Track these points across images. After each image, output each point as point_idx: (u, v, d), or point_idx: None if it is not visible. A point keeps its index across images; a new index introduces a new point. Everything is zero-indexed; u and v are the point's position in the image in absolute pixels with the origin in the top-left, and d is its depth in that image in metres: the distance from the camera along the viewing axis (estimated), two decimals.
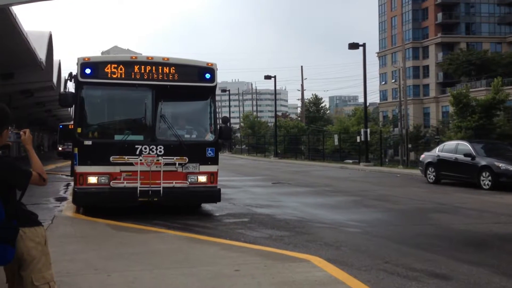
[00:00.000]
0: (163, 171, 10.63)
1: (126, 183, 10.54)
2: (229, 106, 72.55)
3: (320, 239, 8.84)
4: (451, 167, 19.65)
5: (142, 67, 10.98)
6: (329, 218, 11.39)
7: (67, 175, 20.13)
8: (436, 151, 21.11)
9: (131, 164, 10.56)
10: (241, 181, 21.62)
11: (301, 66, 61.26)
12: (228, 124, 12.34)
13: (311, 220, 11.11)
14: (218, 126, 11.69)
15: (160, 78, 11.04)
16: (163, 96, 11.09)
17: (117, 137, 10.95)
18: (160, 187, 10.59)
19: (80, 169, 10.60)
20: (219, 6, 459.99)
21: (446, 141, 25.25)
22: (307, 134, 49.89)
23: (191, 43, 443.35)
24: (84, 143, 10.62)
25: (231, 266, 6.53)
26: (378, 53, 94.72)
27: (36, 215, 3.85)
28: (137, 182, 10.49)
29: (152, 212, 11.30)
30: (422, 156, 22.54)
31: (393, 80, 77.14)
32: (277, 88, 52.67)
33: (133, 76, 10.94)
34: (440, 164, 20.22)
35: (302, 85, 63.04)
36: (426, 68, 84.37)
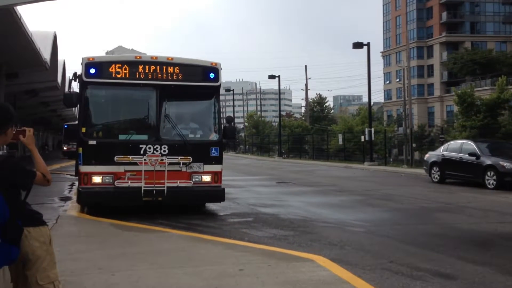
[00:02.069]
0: (167, 170, 10.64)
1: (131, 182, 10.56)
2: (233, 106, 72.50)
3: (324, 239, 8.83)
4: (456, 167, 19.59)
5: (147, 66, 11.00)
6: (334, 218, 11.38)
7: (71, 175, 20.20)
8: (441, 151, 21.06)
9: (135, 163, 10.57)
10: (245, 180, 21.63)
11: (305, 66, 61.39)
12: (232, 123, 12.32)
13: (315, 219, 11.10)
14: (222, 125, 11.68)
15: (164, 77, 11.05)
16: (167, 95, 11.10)
17: (121, 137, 10.98)
18: (164, 186, 10.60)
19: (84, 168, 10.62)
20: (225, 5, 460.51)
21: (450, 140, 25.23)
22: (311, 134, 49.89)
23: (196, 42, 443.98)
24: (89, 143, 10.64)
25: (235, 266, 6.53)
26: (382, 52, 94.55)
27: (40, 215, 3.86)
28: (141, 182, 10.51)
29: (156, 211, 11.31)
30: (427, 155, 22.49)
31: (398, 80, 76.95)
32: (281, 87, 52.69)
33: (137, 76, 10.95)
34: (445, 163, 20.17)
35: (306, 85, 63.07)
36: (431, 67, 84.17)
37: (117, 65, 10.91)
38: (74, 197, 13.14)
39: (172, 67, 11.13)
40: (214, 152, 11.18)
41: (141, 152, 10.64)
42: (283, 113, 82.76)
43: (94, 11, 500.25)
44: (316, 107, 73.91)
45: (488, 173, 18.00)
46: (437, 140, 35.96)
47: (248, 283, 5.86)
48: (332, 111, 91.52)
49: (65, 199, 14.58)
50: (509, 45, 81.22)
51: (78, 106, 11.37)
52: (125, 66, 10.94)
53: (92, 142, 10.67)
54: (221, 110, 12.59)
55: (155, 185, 10.58)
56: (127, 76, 10.92)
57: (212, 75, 11.40)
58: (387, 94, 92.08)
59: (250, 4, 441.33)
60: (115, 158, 10.51)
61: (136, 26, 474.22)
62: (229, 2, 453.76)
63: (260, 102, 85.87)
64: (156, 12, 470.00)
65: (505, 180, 17.49)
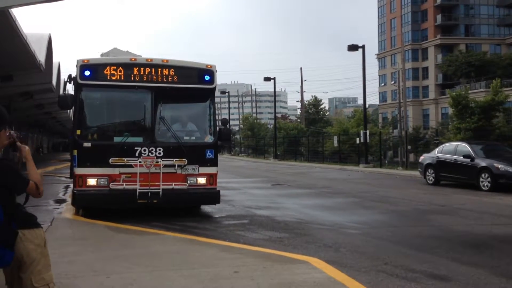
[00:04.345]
0: (163, 173, 10.63)
1: (126, 185, 10.54)
2: (229, 108, 72.61)
3: (319, 241, 8.85)
4: (451, 169, 19.66)
5: (142, 69, 11.00)
6: (328, 220, 11.39)
7: (66, 177, 20.15)
8: (436, 153, 21.12)
9: (130, 166, 10.56)
10: (241, 183, 21.62)
11: (301, 68, 61.39)
12: (228, 126, 12.34)
13: (310, 221, 11.11)
14: (217, 128, 11.70)
15: (159, 80, 11.05)
16: (163, 98, 11.11)
17: (116, 139, 10.96)
18: (159, 189, 10.59)
19: (79, 171, 10.60)
20: (223, 7, 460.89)
21: (445, 142, 25.27)
22: (307, 136, 49.92)
23: (192, 44, 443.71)
24: (83, 145, 10.62)
25: (230, 268, 6.54)
26: (377, 54, 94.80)
27: (35, 217, 3.86)
28: (136, 184, 10.50)
29: (152, 214, 11.30)
30: (422, 157, 22.54)
31: (393, 82, 77.16)
32: (276, 89, 52.72)
33: (132, 78, 10.95)
34: (440, 165, 20.23)
35: (301, 87, 63.12)
36: (426, 69, 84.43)
37: (112, 67, 10.91)
38: (69, 200, 13.10)
39: (167, 69, 11.13)
40: (209, 154, 11.19)
41: (136, 154, 10.63)
42: (279, 115, 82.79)
43: (89, 13, 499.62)
44: (312, 109, 73.92)
45: (483, 175, 18.06)
46: (432, 142, 36.04)
47: (243, 285, 5.86)
48: (328, 113, 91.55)
49: (60, 201, 14.54)
50: (503, 48, 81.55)
51: (73, 108, 11.35)
52: (120, 68, 10.94)
53: (87, 144, 10.65)
54: (217, 112, 12.61)
55: (150, 187, 10.58)
56: (122, 78, 10.91)
57: (207, 77, 11.41)
58: (382, 96, 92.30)
59: (249, 5, 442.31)
60: (110, 161, 10.50)
61: (133, 28, 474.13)
62: (227, 2, 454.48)
63: (256, 104, 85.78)
64: (153, 14, 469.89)
65: (500, 182, 17.56)
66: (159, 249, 7.73)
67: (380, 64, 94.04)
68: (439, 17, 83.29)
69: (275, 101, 54.73)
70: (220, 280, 6.05)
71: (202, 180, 11.08)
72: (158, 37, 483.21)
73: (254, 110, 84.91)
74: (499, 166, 17.75)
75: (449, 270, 6.85)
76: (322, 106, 76.97)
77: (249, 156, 60.01)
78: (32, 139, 57.34)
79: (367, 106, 39.11)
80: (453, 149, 20.10)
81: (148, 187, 10.57)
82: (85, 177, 10.57)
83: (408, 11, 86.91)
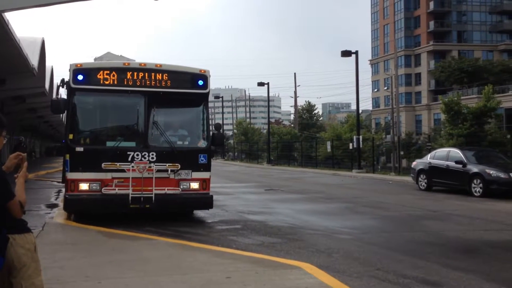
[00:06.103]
0: (155, 177, 10.61)
1: (118, 189, 10.51)
2: (222, 113, 72.57)
3: (312, 246, 8.85)
4: (443, 174, 19.73)
5: (135, 73, 10.99)
6: (321, 225, 11.40)
7: (58, 182, 20.07)
8: (428, 158, 21.19)
9: (123, 170, 10.53)
10: (234, 187, 21.61)
11: (294, 73, 61.47)
12: (221, 130, 12.36)
13: (303, 227, 11.12)
14: (210, 132, 11.70)
15: (152, 84, 11.05)
16: (156, 102, 11.10)
17: (109, 144, 10.93)
18: (152, 193, 10.56)
19: (71, 175, 10.56)
20: (220, 11, 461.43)
21: (437, 148, 25.36)
22: (300, 141, 50.00)
23: (189, 47, 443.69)
24: (76, 150, 10.59)
25: (222, 273, 6.53)
26: (370, 60, 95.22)
27: (25, 222, 3.84)
28: (129, 189, 10.47)
29: (144, 219, 11.26)
30: (414, 163, 22.60)
31: (386, 88, 77.54)
32: (270, 94, 52.77)
33: (125, 83, 10.94)
34: (432, 171, 20.30)
35: (295, 92, 63.22)
36: (418, 75, 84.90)
37: (105, 72, 10.89)
38: (61, 204, 13.04)
39: (160, 74, 11.13)
40: (202, 159, 11.18)
41: (129, 159, 10.60)
42: (272, 120, 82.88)
43: (83, 17, 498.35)
44: (305, 114, 74.20)
45: (475, 181, 18.13)
46: (424, 148, 36.15)
47: None
48: (321, 118, 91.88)
49: (52, 206, 14.47)
50: (495, 54, 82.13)
51: (65, 112, 11.32)
52: (114, 72, 10.92)
53: (79, 149, 10.62)
54: (210, 117, 12.62)
55: (143, 192, 10.54)
56: (115, 82, 10.90)
57: (200, 82, 11.42)
58: (375, 102, 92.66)
59: (246, 11, 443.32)
60: (103, 165, 10.46)
61: (126, 33, 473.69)
62: (225, 6, 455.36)
63: (249, 109, 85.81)
64: (150, 19, 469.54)
65: (491, 188, 17.63)
66: (151, 254, 7.71)
67: (373, 70, 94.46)
68: (431, 23, 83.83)
69: (268, 106, 54.81)
70: (212, 285, 6.04)
71: (195, 185, 11.07)
72: (154, 40, 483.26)
73: (248, 115, 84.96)
74: (490, 172, 17.84)
75: (441, 275, 6.87)
76: (315, 111, 77.33)
77: (242, 161, 59.99)
78: (24, 143, 56.94)
79: (360, 111, 39.24)
80: (445, 155, 20.18)
81: (140, 192, 10.54)
82: (77, 181, 10.53)
83: (401, 18, 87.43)
